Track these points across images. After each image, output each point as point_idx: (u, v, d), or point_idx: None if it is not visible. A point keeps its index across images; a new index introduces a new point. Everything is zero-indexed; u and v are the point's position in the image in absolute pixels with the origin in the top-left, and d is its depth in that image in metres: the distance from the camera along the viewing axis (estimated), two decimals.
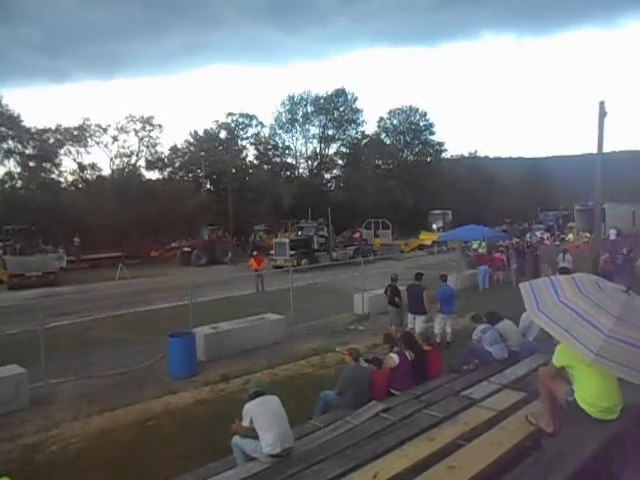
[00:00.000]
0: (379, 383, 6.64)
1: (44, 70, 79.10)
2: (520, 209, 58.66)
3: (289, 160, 59.59)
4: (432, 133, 63.90)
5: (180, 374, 9.24)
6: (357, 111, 58.94)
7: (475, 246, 23.65)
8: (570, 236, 37.50)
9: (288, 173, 58.48)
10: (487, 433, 4.60)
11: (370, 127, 63.19)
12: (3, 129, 43.33)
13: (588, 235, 31.59)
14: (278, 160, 58.57)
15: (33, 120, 45.76)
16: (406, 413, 5.53)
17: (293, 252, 27.32)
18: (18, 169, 45.35)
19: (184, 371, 9.33)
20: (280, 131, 58.33)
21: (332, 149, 59.91)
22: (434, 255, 30.97)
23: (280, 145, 58.67)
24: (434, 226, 39.49)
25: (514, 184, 69.57)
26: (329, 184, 60.49)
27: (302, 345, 11.23)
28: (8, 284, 22.00)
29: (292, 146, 58.98)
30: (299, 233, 30.47)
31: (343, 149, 60.12)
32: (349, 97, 58.52)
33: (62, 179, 48.28)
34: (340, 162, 60.63)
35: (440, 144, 64.86)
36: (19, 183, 45.18)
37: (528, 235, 33.33)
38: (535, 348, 7.25)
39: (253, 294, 17.80)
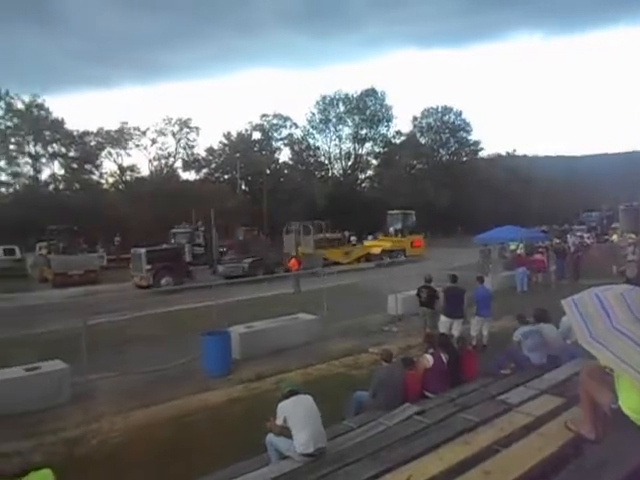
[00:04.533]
0: (412, 384, 6.58)
1: (88, 77, 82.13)
2: (560, 209, 57.00)
3: (323, 160, 59.77)
4: (468, 132, 62.86)
5: (215, 372, 9.39)
6: (388, 108, 58.57)
7: (513, 247, 23.11)
8: (614, 237, 36.15)
9: (322, 174, 58.63)
10: (524, 439, 4.49)
11: (403, 127, 62.51)
12: (48, 133, 45.08)
13: (633, 236, 30.36)
14: (312, 161, 58.81)
15: (76, 124, 47.38)
16: (441, 416, 5.45)
17: (150, 267, 20.91)
18: (62, 171, 47.12)
19: (219, 369, 9.47)
20: (314, 132, 58.60)
21: (365, 149, 59.73)
22: (383, 269, 22.13)
23: (313, 146, 58.89)
24: (391, 229, 32.16)
25: (553, 183, 67.69)
26: (363, 184, 60.32)
27: (335, 345, 11.23)
28: (52, 282, 22.85)
29: (325, 147, 59.15)
30: (172, 241, 24.47)
31: (376, 148, 59.83)
32: (379, 95, 58.24)
33: (103, 180, 49.90)
34: (374, 162, 60.38)
35: (476, 143, 63.79)
36: (62, 185, 46.84)
37: (569, 236, 32.29)
38: (576, 352, 7.02)
39: (289, 294, 17.95)
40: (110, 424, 7.34)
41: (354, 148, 59.07)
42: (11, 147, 43.84)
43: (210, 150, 55.07)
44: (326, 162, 59.74)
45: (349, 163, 59.49)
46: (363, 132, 58.37)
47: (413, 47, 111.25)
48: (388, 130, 59.35)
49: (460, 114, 62.20)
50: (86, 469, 5.92)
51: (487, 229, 25.58)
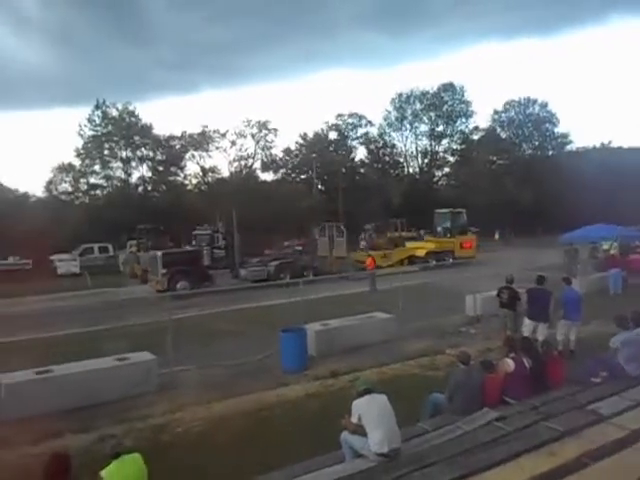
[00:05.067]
0: (491, 389, 6.32)
1: (174, 84, 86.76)
2: None
3: (399, 159, 59.07)
4: (554, 124, 59.26)
5: (292, 368, 9.58)
6: (466, 103, 56.67)
7: (606, 247, 21.52)
8: None
9: (397, 172, 57.97)
10: (618, 454, 4.17)
11: (482, 122, 60.16)
12: (137, 138, 48.18)
13: None
14: (387, 159, 58.32)
15: (162, 129, 50.57)
16: (522, 424, 5.20)
17: (165, 270, 20.31)
18: (149, 173, 50.14)
19: (295, 365, 9.65)
20: (389, 130, 58.00)
21: (442, 146, 58.24)
22: (429, 272, 20.73)
23: (389, 144, 58.33)
24: (439, 229, 30.17)
25: None
26: (439, 182, 58.90)
27: (411, 345, 11.06)
28: (140, 278, 24.33)
29: (401, 144, 58.38)
30: (193, 243, 24.12)
31: (454, 145, 58.17)
32: (457, 89, 56.48)
33: (187, 182, 52.55)
34: (451, 159, 58.77)
35: (564, 135, 59.86)
36: (150, 186, 49.87)
37: None
38: None
39: (364, 292, 17.97)
40: (192, 414, 7.71)
41: (430, 145, 57.88)
42: (105, 152, 47.30)
43: (287, 151, 56.25)
44: (402, 160, 59.01)
45: (425, 161, 58.35)
46: (440, 129, 57.03)
47: (494, 39, 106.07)
48: (466, 126, 57.59)
49: (545, 105, 58.82)
50: (171, 455, 6.25)
51: (573, 228, 23.83)
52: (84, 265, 28.14)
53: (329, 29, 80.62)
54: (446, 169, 59.47)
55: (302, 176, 55.34)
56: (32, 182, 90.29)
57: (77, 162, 47.12)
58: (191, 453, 6.32)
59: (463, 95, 56.61)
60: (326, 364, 9.81)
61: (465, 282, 14.73)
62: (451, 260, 26.05)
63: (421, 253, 27.33)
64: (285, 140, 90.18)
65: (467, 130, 57.69)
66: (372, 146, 57.71)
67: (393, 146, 58.30)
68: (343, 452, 5.15)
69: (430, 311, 13.33)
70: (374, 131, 57.86)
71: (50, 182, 47.23)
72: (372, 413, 4.93)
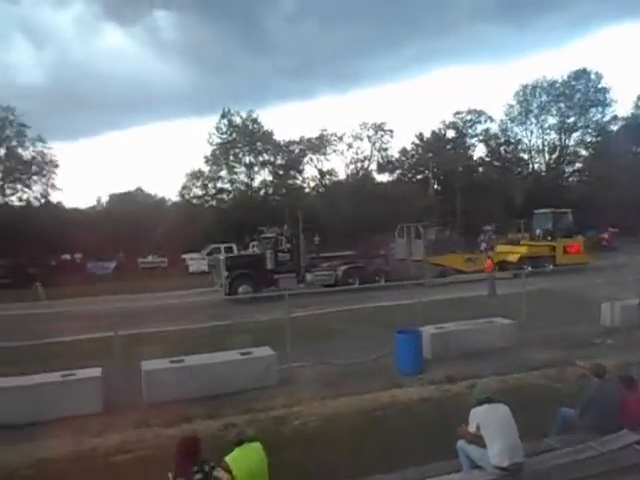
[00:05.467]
0: (632, 408, 5.67)
1: (293, 91, 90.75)
2: None
3: (522, 155, 55.48)
4: None
5: (406, 370, 9.46)
6: (603, 90, 51.19)
7: None
8: None
9: (519, 169, 54.49)
10: None
11: (623, 111, 54.17)
12: (259, 144, 51.01)
13: None
14: (509, 156, 55.07)
15: (282, 134, 52.92)
16: None
17: (227, 274, 20.28)
18: (270, 177, 52.80)
19: (410, 367, 9.52)
20: (512, 125, 54.55)
21: (573, 139, 53.47)
22: (516, 280, 17.03)
23: (512, 140, 54.97)
24: (537, 232, 26.92)
25: None
26: (569, 178, 54.21)
27: (535, 354, 10.33)
28: None
29: (525, 140, 54.64)
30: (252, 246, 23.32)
31: (587, 138, 53.10)
32: (591, 76, 51.36)
33: (305, 185, 54.44)
34: (584, 152, 53.74)
35: None
36: (271, 190, 52.50)
37: None
38: None
39: (483, 296, 17.19)
40: (309, 408, 7.96)
41: (560, 139, 53.37)
42: (231, 158, 50.74)
43: (403, 151, 55.66)
44: (525, 156, 55.31)
45: (553, 156, 54.03)
46: (570, 120, 52.30)
47: (628, 20, 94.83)
48: (602, 116, 52.17)
49: None
50: (289, 446, 6.50)
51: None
52: (212, 264, 30.29)
53: (448, 26, 78.22)
54: (578, 164, 54.53)
55: (418, 176, 54.39)
56: (168, 188, 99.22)
57: (206, 168, 51.16)
58: (309, 446, 6.51)
59: (599, 82, 51.35)
60: (442, 368, 9.53)
61: (596, 289, 13.42)
62: (551, 267, 23.04)
63: (513, 258, 24.40)
64: (401, 141, 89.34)
65: (603, 121, 52.32)
66: (492, 143, 54.82)
67: (518, 142, 54.74)
68: (460, 461, 4.98)
69: (557, 319, 12.33)
70: (495, 127, 55.02)
71: (183, 187, 51.78)
72: (492, 423, 4.70)
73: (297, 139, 52.56)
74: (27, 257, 31.63)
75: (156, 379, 8.44)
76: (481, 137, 55.36)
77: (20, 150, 46.04)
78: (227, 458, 4.39)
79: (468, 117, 54.88)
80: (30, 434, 7.03)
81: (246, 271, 20.51)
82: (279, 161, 52.24)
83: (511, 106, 54.11)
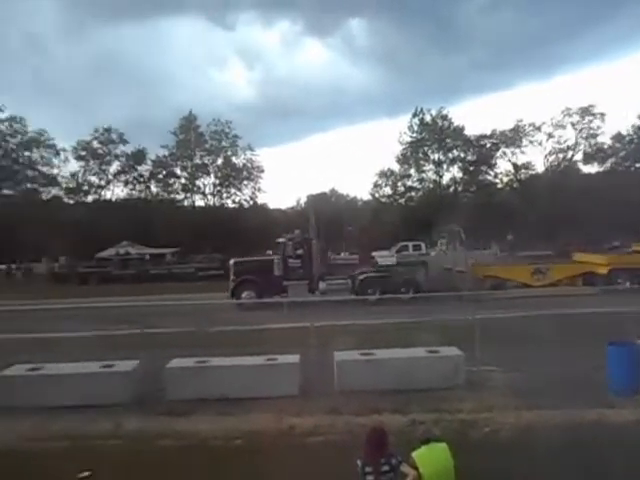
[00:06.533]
0: None
1: (487, 83, 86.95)
2: None
3: None
4: None
5: (618, 388, 8.24)
6: None
7: None
8: None
9: None
10: None
11: None
12: (449, 140, 49.81)
13: None
14: None
15: (473, 129, 50.71)
16: None
17: (233, 278, 19.93)
18: (460, 174, 51.21)
19: (624, 385, 8.26)
20: None
21: None
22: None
23: None
24: None
25: None
26: None
27: None
28: None
29: None
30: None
31: None
32: None
33: (497, 180, 51.47)
34: None
35: None
36: (460, 187, 50.90)
37: None
38: None
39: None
40: (501, 417, 7.50)
41: None
42: (420, 156, 50.61)
43: (618, 137, 48.42)
44: None
45: None
46: None
47: None
48: None
49: None
50: (477, 452, 6.19)
51: None
52: (400, 262, 30.65)
53: None
54: None
55: (638, 165, 46.89)
56: (360, 188, 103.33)
57: (396, 167, 51.89)
58: (500, 455, 6.13)
59: None
60: None
61: None
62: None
63: (603, 270, 19.76)
64: (614, 126, 78.09)
65: None
66: None
67: None
68: None
69: None
70: None
71: (374, 186, 53.36)
72: None
73: (489, 133, 49.90)
74: (239, 253, 36.08)
75: (347, 369, 8.88)
76: None
77: (234, 158, 52.91)
78: (414, 454, 4.38)
79: None
80: (240, 408, 8.04)
81: (251, 277, 20.09)
82: (469, 157, 50.29)
83: None
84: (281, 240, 21.61)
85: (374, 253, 36.55)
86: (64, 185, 51.96)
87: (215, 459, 6.37)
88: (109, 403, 8.19)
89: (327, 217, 43.43)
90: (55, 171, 51.06)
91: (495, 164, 50.72)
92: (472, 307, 10.20)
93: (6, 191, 49.32)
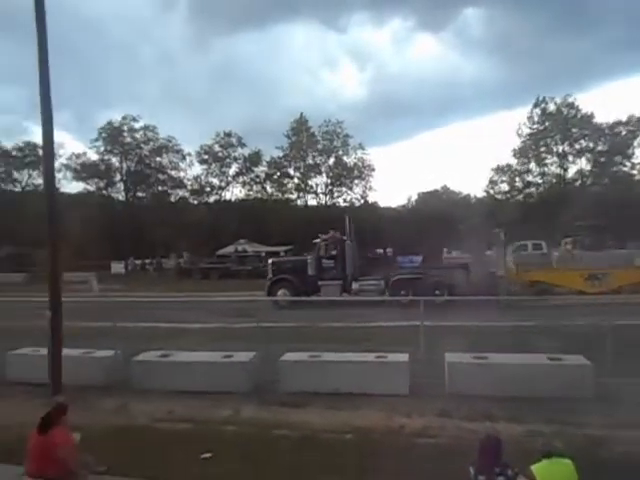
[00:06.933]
0: None
1: (622, 65, 78.90)
2: None
3: None
4: None
5: None
6: None
7: None
8: None
9: None
10: None
11: None
12: (575, 130, 45.82)
13: None
14: None
15: (605, 116, 46.09)
16: None
17: (271, 276, 20.87)
18: (588, 166, 46.93)
19: None
20: None
21: None
22: None
23: None
24: None
25: None
26: None
27: None
28: None
29: None
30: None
31: None
32: None
33: (635, 172, 46.45)
34: None
35: None
36: (589, 180, 46.63)
37: None
38: None
39: None
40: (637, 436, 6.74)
41: None
42: (541, 149, 47.21)
43: None
44: None
45: None
46: None
47: None
48: None
49: None
50: (608, 474, 5.65)
51: None
52: (519, 262, 28.85)
53: None
54: None
55: None
56: (474, 185, 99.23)
57: (514, 162, 48.98)
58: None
59: None
60: None
61: None
62: None
63: None
64: None
65: None
66: None
67: None
68: None
69: None
70: None
71: (490, 182, 50.94)
72: None
73: (624, 119, 45.13)
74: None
75: (458, 372, 8.59)
76: None
77: (345, 158, 53.70)
78: (533, 467, 4.12)
79: None
80: (350, 403, 8.14)
81: (285, 276, 20.73)
82: (600, 147, 45.84)
83: None
84: (316, 241, 22.17)
85: (488, 252, 34.92)
86: (189, 187, 56.39)
87: (326, 451, 6.51)
88: (228, 391, 8.74)
89: (437, 215, 42.41)
90: (182, 174, 55.68)
91: (633, 154, 45.80)
92: (603, 312, 9.28)
93: (140, 194, 54.81)
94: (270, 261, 22.90)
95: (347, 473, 5.97)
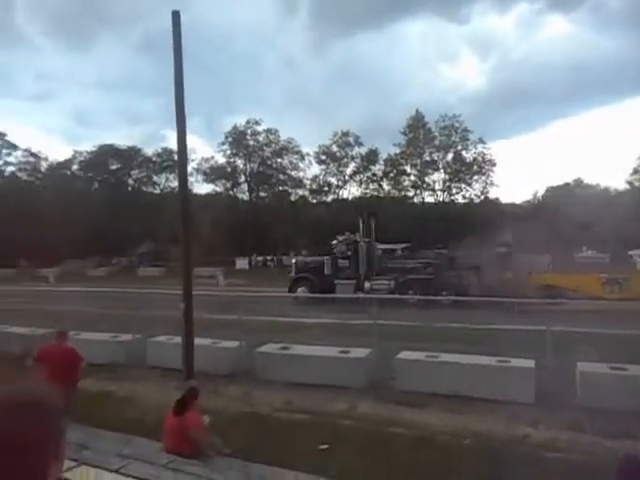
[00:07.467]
0: None
1: None
2: None
3: None
4: None
5: None
6: None
7: None
8: None
9: None
10: None
11: None
12: None
13: None
14: None
15: None
16: None
17: (294, 274, 22.88)
18: None
19: None
20: None
21: None
22: None
23: None
24: None
25: None
26: None
27: None
28: None
29: None
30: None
31: None
32: None
33: None
34: None
35: None
36: None
37: None
38: None
39: None
40: None
41: None
42: None
43: None
44: None
45: None
46: None
47: None
48: None
49: None
50: None
51: None
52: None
53: None
54: None
55: None
56: (614, 176, 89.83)
57: None
58: None
59: None
60: None
61: None
62: None
63: None
64: None
65: None
66: None
67: None
68: None
69: None
70: None
71: (634, 173, 45.92)
72: None
73: None
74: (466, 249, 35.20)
75: (593, 383, 7.85)
76: None
77: (464, 153, 51.71)
78: None
79: None
80: (470, 407, 7.85)
81: (305, 274, 22.20)
82: None
83: None
84: (334, 242, 23.59)
85: (632, 252, 31.44)
86: (308, 187, 58.27)
87: (443, 454, 6.34)
88: (344, 385, 8.89)
89: (567, 211, 39.07)
90: (301, 174, 57.74)
91: None
92: None
93: (262, 193, 57.85)
94: (293, 260, 25.01)
95: (465, 479, 5.76)
